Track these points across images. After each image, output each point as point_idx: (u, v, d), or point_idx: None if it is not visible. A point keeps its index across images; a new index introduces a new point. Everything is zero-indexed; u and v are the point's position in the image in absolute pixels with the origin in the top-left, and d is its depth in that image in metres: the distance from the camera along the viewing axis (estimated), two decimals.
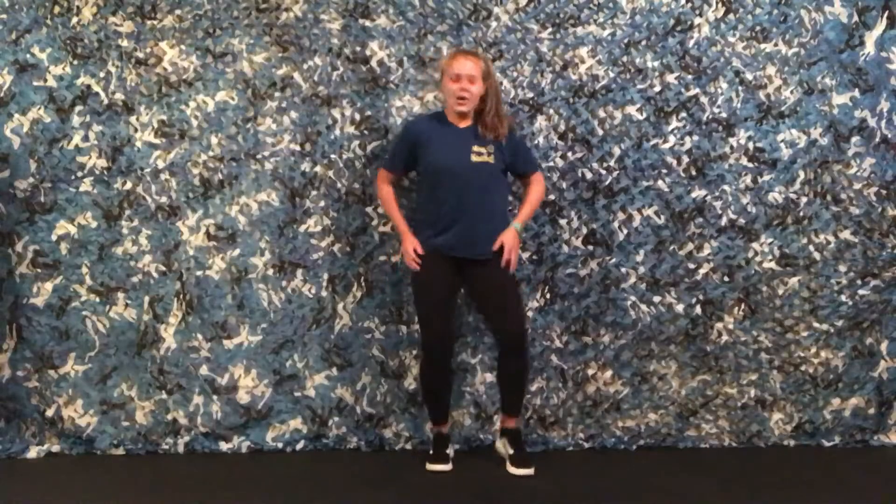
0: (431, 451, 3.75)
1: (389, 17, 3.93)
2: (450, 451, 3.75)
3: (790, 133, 3.99)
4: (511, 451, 3.70)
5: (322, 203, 3.96)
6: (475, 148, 3.59)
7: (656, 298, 4.00)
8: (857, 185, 4.00)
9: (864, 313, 4.02)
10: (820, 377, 4.03)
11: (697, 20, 3.97)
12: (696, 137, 3.98)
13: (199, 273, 3.94)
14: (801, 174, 4.00)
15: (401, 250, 3.74)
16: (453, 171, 3.57)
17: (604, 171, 3.97)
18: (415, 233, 3.68)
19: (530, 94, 3.95)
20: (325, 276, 3.97)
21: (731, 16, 3.97)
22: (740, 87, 3.98)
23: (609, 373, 4.01)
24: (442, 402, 3.78)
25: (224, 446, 3.94)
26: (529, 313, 3.97)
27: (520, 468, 3.62)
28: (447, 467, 3.67)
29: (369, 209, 3.95)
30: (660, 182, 3.98)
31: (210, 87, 3.93)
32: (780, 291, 4.00)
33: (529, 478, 3.57)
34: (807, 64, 3.98)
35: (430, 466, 3.67)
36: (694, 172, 3.99)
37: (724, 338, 4.01)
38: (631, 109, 3.98)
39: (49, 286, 3.89)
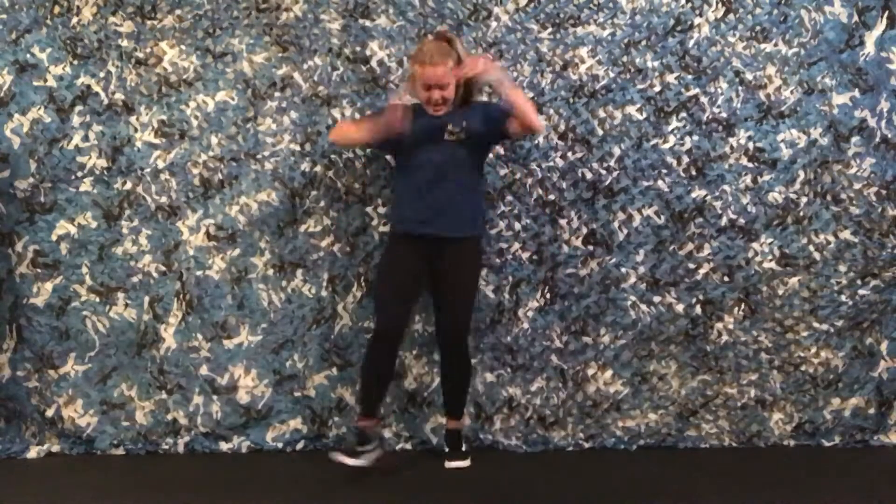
0: (358, 445, 3.63)
1: (389, 17, 3.93)
2: (370, 448, 3.62)
3: (790, 133, 3.99)
4: (447, 450, 3.78)
5: (322, 203, 3.96)
6: (449, 127, 3.58)
7: (656, 298, 3.99)
8: (857, 185, 4.00)
9: (864, 313, 4.02)
10: (820, 377, 4.03)
11: (697, 20, 3.97)
12: (696, 137, 3.98)
13: (199, 273, 3.94)
14: (801, 174, 4.00)
15: (386, 117, 3.54)
16: (426, 152, 3.57)
17: (604, 171, 3.97)
18: (391, 218, 3.76)
19: (530, 94, 3.95)
20: (325, 276, 3.97)
21: (731, 16, 3.97)
22: (740, 87, 3.98)
23: (609, 373, 4.01)
24: (380, 393, 3.73)
25: (224, 446, 3.94)
26: (529, 313, 3.98)
27: (452, 461, 3.71)
28: (362, 462, 3.56)
29: (369, 209, 3.95)
30: (660, 182, 3.98)
31: (210, 87, 3.93)
32: (780, 291, 4.00)
33: (530, 477, 3.57)
34: (807, 64, 3.98)
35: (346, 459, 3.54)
36: (694, 172, 3.99)
37: (724, 338, 4.01)
38: (631, 109, 3.97)
39: (49, 286, 3.89)
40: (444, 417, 3.92)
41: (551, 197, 3.97)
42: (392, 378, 3.79)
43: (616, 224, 3.98)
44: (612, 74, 3.96)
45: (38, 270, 3.89)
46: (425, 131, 3.59)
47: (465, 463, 3.72)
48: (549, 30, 3.96)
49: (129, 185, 3.92)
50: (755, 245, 4.00)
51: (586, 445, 3.99)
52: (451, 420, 3.83)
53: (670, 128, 3.98)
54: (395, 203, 3.76)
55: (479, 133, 3.62)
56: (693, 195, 3.99)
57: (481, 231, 3.79)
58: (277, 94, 3.94)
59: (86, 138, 3.90)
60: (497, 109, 3.61)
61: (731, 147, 3.99)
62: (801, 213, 4.00)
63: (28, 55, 3.86)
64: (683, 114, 3.98)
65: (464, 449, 3.81)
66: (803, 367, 4.02)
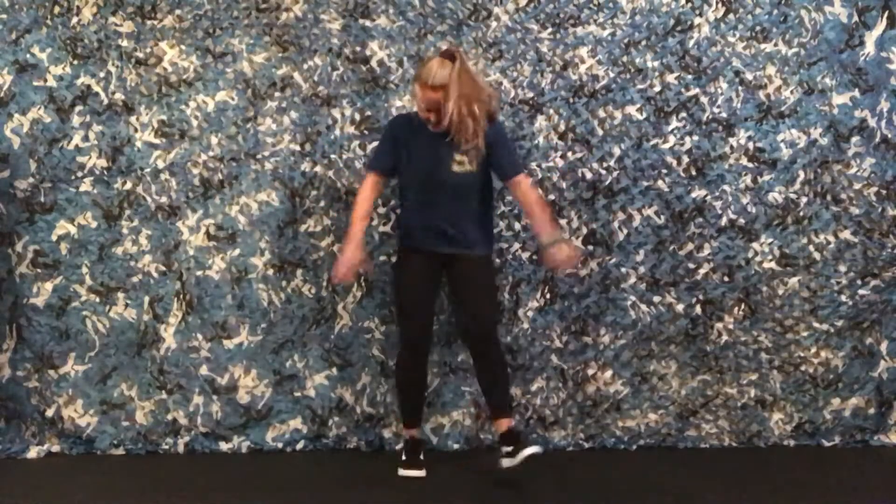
0: (404, 457, 3.67)
1: (389, 17, 3.94)
2: (423, 457, 3.69)
3: (790, 133, 3.99)
4: (509, 449, 3.49)
5: (322, 203, 3.96)
6: (456, 157, 3.49)
7: (656, 298, 4.00)
8: (857, 185, 4.00)
9: (864, 313, 4.02)
10: (820, 377, 4.03)
11: (697, 20, 3.97)
12: (696, 137, 3.98)
13: (199, 273, 3.94)
14: (801, 174, 4.00)
15: (338, 261, 3.61)
16: (434, 181, 3.51)
17: (604, 171, 3.97)
18: (399, 232, 3.72)
19: (530, 94, 3.95)
20: (325, 276, 3.97)
21: (731, 16, 3.97)
22: (740, 87, 3.98)
23: (609, 373, 4.01)
24: (417, 402, 3.74)
25: (224, 446, 3.94)
26: (529, 313, 3.98)
27: (523, 450, 3.42)
28: (421, 473, 3.60)
29: None
30: (660, 182, 3.98)
31: (210, 87, 3.93)
32: (780, 291, 4.00)
33: (530, 477, 3.56)
34: (807, 64, 3.98)
35: (403, 472, 3.59)
36: (694, 172, 3.99)
37: (724, 338, 4.01)
38: (631, 109, 3.98)
39: (49, 286, 3.89)
40: (445, 418, 3.93)
41: (551, 197, 3.97)
42: (426, 385, 3.79)
43: (616, 224, 3.98)
44: (612, 74, 3.96)
45: (38, 270, 3.89)
46: (430, 153, 3.52)
47: (537, 448, 3.45)
48: (549, 30, 3.96)
49: (129, 185, 3.92)
50: (755, 245, 4.00)
51: (586, 445, 3.99)
52: (499, 419, 3.59)
53: (670, 128, 3.98)
54: (401, 219, 3.73)
55: (488, 164, 3.55)
56: (693, 195, 3.99)
57: (492, 249, 3.73)
58: (277, 94, 3.94)
59: (86, 138, 3.90)
60: (504, 165, 3.54)
61: (731, 147, 3.99)
62: (801, 213, 4.00)
63: (28, 55, 3.86)
64: (683, 114, 3.98)
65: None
66: (803, 367, 4.02)
